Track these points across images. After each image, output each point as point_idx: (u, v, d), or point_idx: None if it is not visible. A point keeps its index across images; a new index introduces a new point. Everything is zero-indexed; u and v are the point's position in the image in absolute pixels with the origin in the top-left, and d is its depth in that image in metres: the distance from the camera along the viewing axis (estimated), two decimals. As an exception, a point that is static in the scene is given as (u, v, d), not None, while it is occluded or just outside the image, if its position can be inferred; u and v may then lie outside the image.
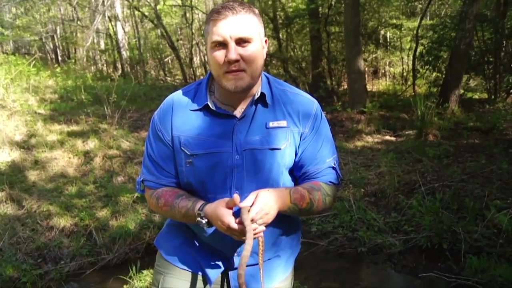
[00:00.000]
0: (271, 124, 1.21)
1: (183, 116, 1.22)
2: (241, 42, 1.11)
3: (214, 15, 1.11)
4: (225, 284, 1.37)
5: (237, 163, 1.20)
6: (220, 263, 1.32)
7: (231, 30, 1.09)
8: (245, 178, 1.21)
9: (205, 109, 1.21)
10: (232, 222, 1.07)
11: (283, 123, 1.22)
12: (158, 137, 1.25)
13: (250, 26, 1.12)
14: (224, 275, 1.36)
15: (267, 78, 1.26)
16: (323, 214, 3.91)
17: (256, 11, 1.16)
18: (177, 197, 1.22)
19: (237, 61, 1.11)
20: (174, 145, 1.23)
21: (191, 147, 1.20)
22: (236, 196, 1.09)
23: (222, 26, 1.09)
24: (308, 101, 1.27)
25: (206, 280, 1.34)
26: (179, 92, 1.29)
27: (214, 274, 1.32)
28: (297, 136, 1.24)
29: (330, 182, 1.29)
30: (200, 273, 1.34)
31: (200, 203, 1.17)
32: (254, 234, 1.07)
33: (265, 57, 1.20)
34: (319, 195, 1.23)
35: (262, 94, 1.21)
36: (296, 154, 1.26)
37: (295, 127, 1.23)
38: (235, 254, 1.30)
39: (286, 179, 1.28)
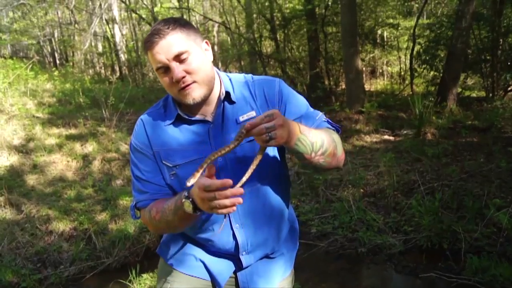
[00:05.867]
0: (241, 118, 1.23)
1: (158, 132, 1.24)
2: (179, 58, 1.13)
3: (146, 44, 1.15)
4: (234, 287, 1.36)
5: (221, 165, 1.21)
6: (228, 265, 1.32)
7: (165, 52, 1.12)
8: (234, 177, 1.20)
9: (178, 120, 1.23)
10: (206, 179, 1.00)
11: (252, 113, 1.23)
12: (142, 154, 1.26)
13: (181, 41, 1.14)
14: (233, 278, 1.35)
15: (228, 77, 1.29)
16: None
17: (184, 23, 1.17)
18: (166, 201, 1.22)
19: (183, 77, 1.13)
20: (156, 160, 1.24)
21: (172, 159, 1.22)
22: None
23: (156, 53, 1.13)
24: (269, 81, 1.29)
25: (215, 285, 1.32)
26: (147, 112, 1.31)
27: (223, 278, 1.32)
28: None
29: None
30: (208, 279, 1.33)
31: (187, 190, 1.12)
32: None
33: (212, 58, 1.23)
34: (326, 133, 1.18)
35: (227, 93, 1.23)
36: None
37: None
38: (244, 252, 1.28)
39: (274, 161, 1.27)
